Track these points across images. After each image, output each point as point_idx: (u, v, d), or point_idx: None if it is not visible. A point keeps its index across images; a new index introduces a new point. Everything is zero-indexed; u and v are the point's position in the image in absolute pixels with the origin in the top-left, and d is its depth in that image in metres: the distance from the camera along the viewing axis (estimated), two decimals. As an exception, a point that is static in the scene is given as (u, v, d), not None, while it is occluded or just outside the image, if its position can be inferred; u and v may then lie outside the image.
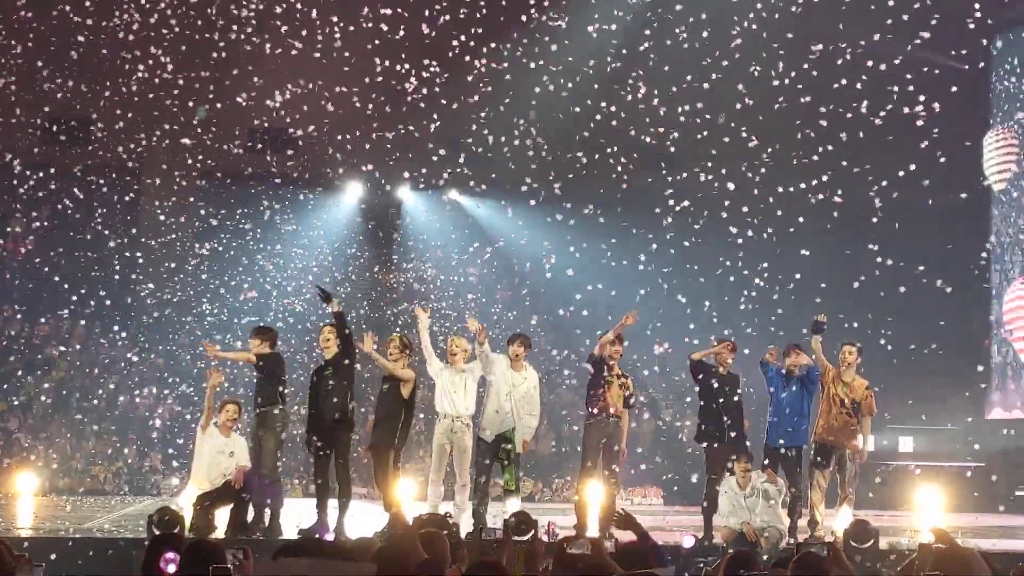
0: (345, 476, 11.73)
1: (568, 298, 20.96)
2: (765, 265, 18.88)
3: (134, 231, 22.54)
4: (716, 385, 12.24)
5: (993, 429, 20.41)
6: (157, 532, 9.57)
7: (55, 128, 21.59)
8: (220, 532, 11.37)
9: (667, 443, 21.28)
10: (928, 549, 6.30)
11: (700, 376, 12.42)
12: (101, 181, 21.50)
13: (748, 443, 12.30)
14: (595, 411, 12.01)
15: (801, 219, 19.26)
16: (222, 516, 11.60)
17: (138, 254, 21.81)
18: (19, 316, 21.59)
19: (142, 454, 20.09)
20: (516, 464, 11.90)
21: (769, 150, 19.23)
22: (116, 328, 21.14)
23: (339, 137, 21.36)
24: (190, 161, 21.69)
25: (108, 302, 20.92)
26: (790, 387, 12.63)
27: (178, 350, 21.45)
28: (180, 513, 10.40)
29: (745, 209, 18.63)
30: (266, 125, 22.26)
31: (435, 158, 21.08)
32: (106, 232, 21.22)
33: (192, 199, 22.53)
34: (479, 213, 24.42)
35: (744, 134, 18.53)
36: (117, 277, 21.60)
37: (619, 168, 20.57)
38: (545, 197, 20.94)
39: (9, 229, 22.10)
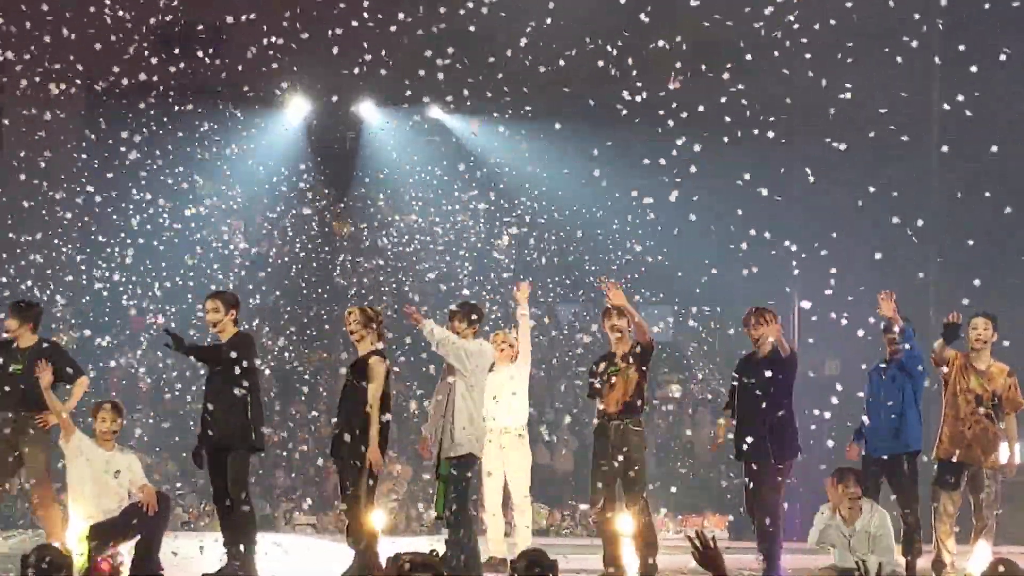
0: (239, 496, 11.88)
1: (599, 248, 21.00)
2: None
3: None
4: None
5: None
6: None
7: None
8: None
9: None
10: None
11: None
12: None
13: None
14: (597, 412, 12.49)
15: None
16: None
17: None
18: None
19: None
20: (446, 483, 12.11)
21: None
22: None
23: (277, 38, 21.41)
24: (71, 74, 21.99)
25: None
26: (889, 373, 12.73)
27: (56, 326, 21.64)
28: (67, 553, 10.34)
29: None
30: (178, 22, 22.62)
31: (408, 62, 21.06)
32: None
33: (74, 119, 23.36)
34: (471, 137, 24.82)
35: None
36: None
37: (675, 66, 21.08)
38: (563, 112, 21.27)
39: None
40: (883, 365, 12.78)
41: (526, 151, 24.22)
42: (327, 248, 24.63)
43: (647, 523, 12.16)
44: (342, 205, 25.20)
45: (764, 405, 11.81)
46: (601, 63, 20.53)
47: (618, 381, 12.17)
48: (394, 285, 23.82)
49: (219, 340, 12.07)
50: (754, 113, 20.51)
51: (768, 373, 11.88)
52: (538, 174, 24.04)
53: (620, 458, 12.08)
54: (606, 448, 12.15)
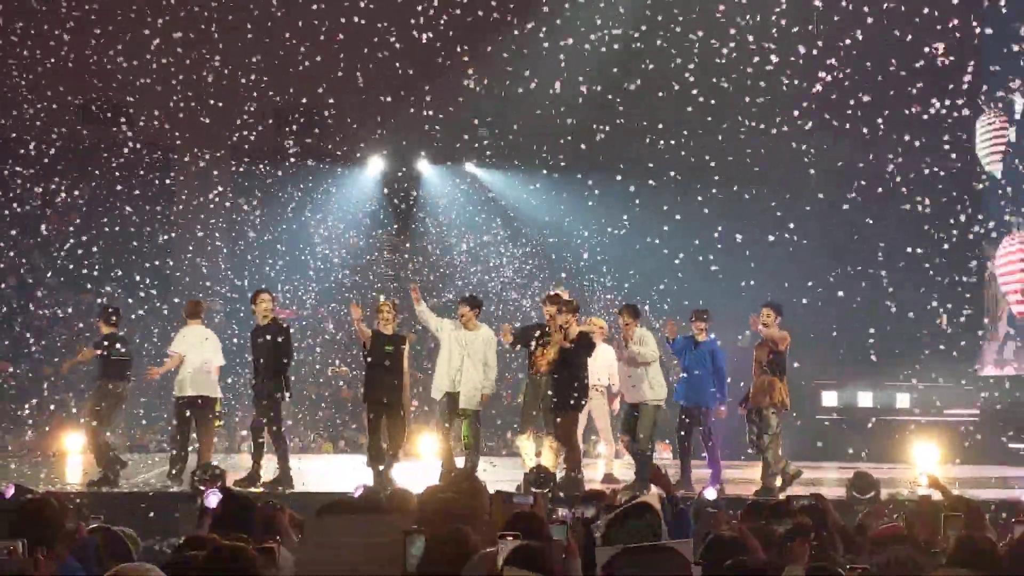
0: (277, 433, 15.03)
1: (603, 281, 23.53)
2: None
3: (168, 215, 25.95)
4: None
5: (986, 385, 23.18)
6: (203, 488, 12.17)
7: (93, 108, 24.22)
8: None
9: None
10: (927, 501, 8.17)
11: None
12: (137, 168, 24.33)
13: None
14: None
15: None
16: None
17: (174, 236, 25.42)
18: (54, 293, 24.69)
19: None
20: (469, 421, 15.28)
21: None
22: (156, 302, 23.99)
23: (358, 111, 23.84)
24: (222, 151, 24.75)
25: (145, 266, 24.14)
26: (695, 353, 15.06)
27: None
28: (223, 468, 13.78)
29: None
30: (298, 104, 24.46)
31: (451, 125, 23.16)
32: (144, 216, 24.73)
33: (223, 181, 25.43)
34: (498, 186, 26.32)
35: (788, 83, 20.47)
36: (157, 262, 24.84)
37: (658, 133, 21.80)
38: (575, 167, 23.05)
39: (53, 203, 24.77)
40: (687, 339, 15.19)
41: (562, 205, 25.25)
42: (392, 272, 26.24)
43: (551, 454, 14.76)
44: (410, 239, 26.66)
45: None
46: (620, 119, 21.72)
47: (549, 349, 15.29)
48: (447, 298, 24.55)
49: (262, 323, 14.94)
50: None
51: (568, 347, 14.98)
52: (564, 221, 25.37)
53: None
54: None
